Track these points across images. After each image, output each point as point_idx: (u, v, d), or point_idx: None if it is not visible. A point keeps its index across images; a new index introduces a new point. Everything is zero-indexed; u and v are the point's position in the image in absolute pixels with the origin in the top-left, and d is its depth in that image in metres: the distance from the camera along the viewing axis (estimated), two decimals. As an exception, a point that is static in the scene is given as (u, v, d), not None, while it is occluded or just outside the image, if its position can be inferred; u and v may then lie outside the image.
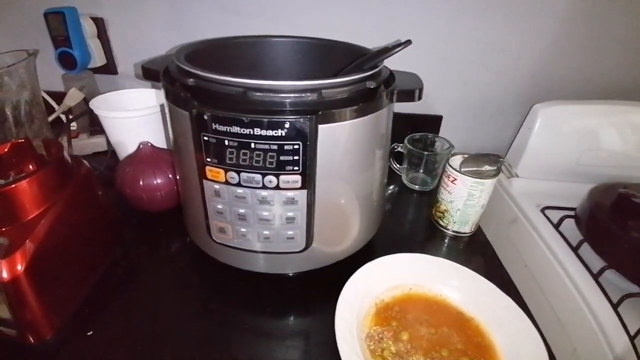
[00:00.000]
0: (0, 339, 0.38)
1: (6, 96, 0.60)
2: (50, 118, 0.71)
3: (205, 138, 0.33)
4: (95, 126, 0.75)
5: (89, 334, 0.39)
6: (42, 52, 0.61)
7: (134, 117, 0.56)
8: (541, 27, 0.68)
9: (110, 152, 0.66)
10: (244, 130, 0.32)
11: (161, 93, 0.60)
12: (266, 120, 0.31)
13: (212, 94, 0.33)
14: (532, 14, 0.67)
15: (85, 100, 0.73)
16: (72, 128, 0.76)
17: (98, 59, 0.77)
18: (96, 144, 0.73)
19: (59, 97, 0.73)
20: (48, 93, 0.73)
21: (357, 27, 0.70)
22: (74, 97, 0.72)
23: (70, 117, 0.73)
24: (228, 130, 0.32)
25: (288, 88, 0.32)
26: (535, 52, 0.70)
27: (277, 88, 0.32)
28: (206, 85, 0.33)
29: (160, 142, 0.56)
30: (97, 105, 0.59)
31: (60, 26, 0.71)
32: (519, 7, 0.66)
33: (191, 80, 0.34)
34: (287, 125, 0.32)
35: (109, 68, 0.81)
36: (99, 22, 0.76)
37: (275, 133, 0.32)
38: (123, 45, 0.79)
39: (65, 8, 0.70)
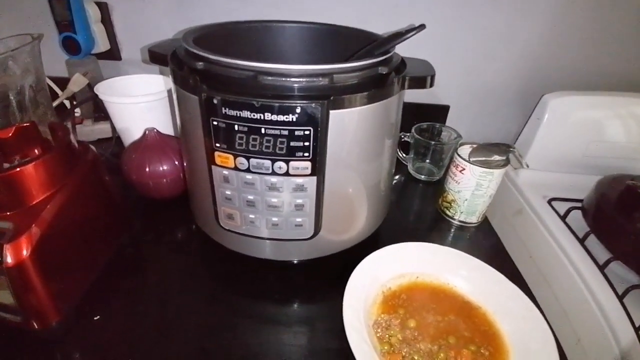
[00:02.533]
0: (5, 325, 0.38)
1: (10, 80, 0.60)
2: (54, 104, 0.70)
3: (215, 123, 0.33)
4: (99, 112, 0.74)
5: (95, 318, 0.39)
6: (46, 38, 0.60)
7: (140, 103, 0.56)
8: (549, 17, 0.67)
9: (115, 139, 0.65)
10: (254, 115, 0.31)
11: (167, 79, 0.59)
12: (277, 104, 0.31)
13: (222, 77, 0.32)
14: (539, 3, 0.65)
15: (90, 86, 0.72)
16: (76, 114, 0.75)
17: (102, 44, 0.77)
18: (101, 130, 0.73)
19: (62, 83, 0.72)
20: (52, 79, 0.73)
21: (362, 14, 0.68)
22: (78, 82, 0.72)
23: (74, 102, 0.72)
24: (238, 114, 0.32)
25: (300, 72, 0.31)
26: (543, 42, 0.69)
27: (289, 72, 0.31)
28: (216, 68, 0.33)
29: (166, 128, 0.55)
30: (103, 90, 0.58)
31: (64, 11, 0.70)
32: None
33: (200, 63, 0.33)
34: (298, 110, 0.31)
35: (113, 54, 0.80)
36: (103, 7, 0.74)
37: (286, 118, 0.32)
38: (127, 30, 0.78)
39: None
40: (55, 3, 0.70)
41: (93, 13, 0.73)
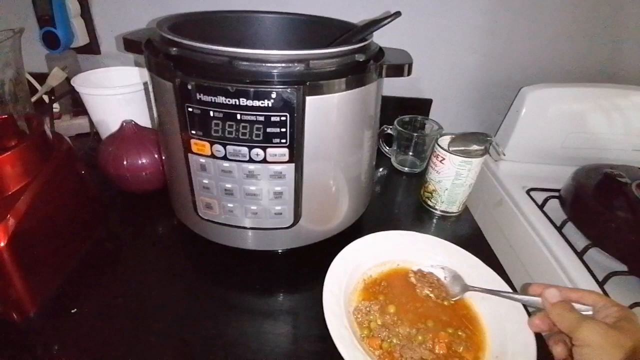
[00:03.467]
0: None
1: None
2: (34, 98, 0.69)
3: (190, 109, 0.33)
4: (78, 107, 0.72)
5: (72, 311, 0.39)
6: (25, 32, 0.59)
7: (117, 95, 0.55)
8: (531, 12, 0.68)
9: (94, 134, 0.64)
10: (229, 101, 0.31)
11: (144, 71, 0.58)
12: (252, 90, 0.31)
13: (196, 63, 0.32)
14: (524, 1, 0.67)
15: (68, 80, 0.71)
16: (54, 109, 0.74)
17: (81, 38, 0.75)
18: (79, 125, 0.71)
19: (41, 78, 0.71)
20: (31, 74, 0.71)
21: (344, 6, 0.69)
22: (56, 76, 0.70)
23: (53, 97, 0.70)
24: (213, 100, 0.31)
25: (275, 58, 0.31)
26: (525, 36, 0.71)
27: (264, 57, 0.31)
28: (190, 54, 0.32)
29: (144, 121, 0.55)
30: (80, 83, 0.57)
31: (45, 5, 0.69)
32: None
33: (174, 49, 0.33)
34: (273, 96, 0.31)
35: (92, 48, 0.78)
36: (83, 1, 0.73)
37: (262, 104, 0.31)
38: (106, 24, 0.77)
39: None
40: None
41: (73, 7, 0.72)
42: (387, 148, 0.69)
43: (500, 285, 0.40)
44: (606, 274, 0.49)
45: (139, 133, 0.52)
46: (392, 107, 0.68)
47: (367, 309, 0.37)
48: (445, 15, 0.69)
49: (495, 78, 0.76)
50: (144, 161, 0.51)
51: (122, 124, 0.51)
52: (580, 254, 0.53)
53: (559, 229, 0.59)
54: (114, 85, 0.58)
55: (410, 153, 0.68)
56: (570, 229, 0.58)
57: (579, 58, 0.73)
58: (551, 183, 0.66)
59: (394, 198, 0.62)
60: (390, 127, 0.66)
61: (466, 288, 0.39)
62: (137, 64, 0.68)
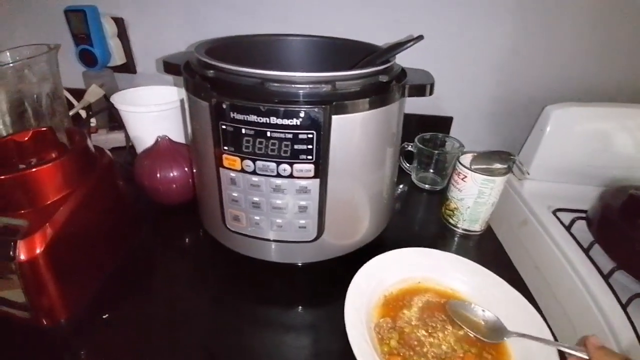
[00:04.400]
0: (12, 321, 0.39)
1: (26, 88, 0.63)
2: (70, 113, 0.74)
3: (224, 127, 0.35)
4: (114, 122, 0.77)
5: (104, 317, 0.40)
6: (64, 50, 0.63)
7: (153, 112, 0.58)
8: (553, 31, 0.68)
9: (129, 148, 0.68)
10: (260, 119, 0.33)
11: (179, 89, 0.62)
12: (282, 109, 0.33)
13: (230, 84, 0.34)
14: (545, 17, 0.67)
15: (105, 97, 0.76)
16: (91, 124, 0.79)
17: (118, 57, 0.80)
18: (115, 139, 0.76)
19: (78, 93, 0.75)
20: (68, 90, 0.76)
21: (366, 28, 0.71)
22: (94, 93, 0.75)
23: (91, 112, 0.75)
24: (245, 119, 0.34)
25: (303, 79, 0.33)
26: (545, 55, 0.70)
27: (293, 79, 0.33)
28: (225, 76, 0.35)
29: (177, 136, 0.58)
30: (118, 100, 0.61)
31: (81, 24, 0.73)
32: (531, 10, 0.66)
33: (211, 71, 0.35)
34: (301, 115, 0.33)
35: (129, 67, 0.83)
36: (120, 22, 0.78)
37: (290, 122, 0.33)
38: (142, 45, 0.81)
39: (86, 6, 0.72)
40: (72, 17, 0.73)
41: (109, 28, 0.76)
42: (408, 165, 0.70)
43: (526, 307, 0.39)
44: (629, 296, 0.48)
45: (172, 148, 0.55)
46: (413, 125, 0.69)
47: (388, 325, 0.38)
48: (465, 35, 0.70)
49: (515, 96, 0.76)
50: (175, 174, 0.54)
51: (157, 139, 0.54)
52: (606, 277, 0.52)
53: (586, 251, 0.57)
54: (147, 102, 0.62)
55: (431, 170, 0.68)
56: (596, 250, 0.56)
57: (598, 77, 0.72)
58: (577, 203, 0.64)
59: (414, 215, 0.62)
60: (411, 144, 0.67)
61: (504, 333, 0.37)
62: (169, 83, 0.72)
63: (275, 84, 0.33)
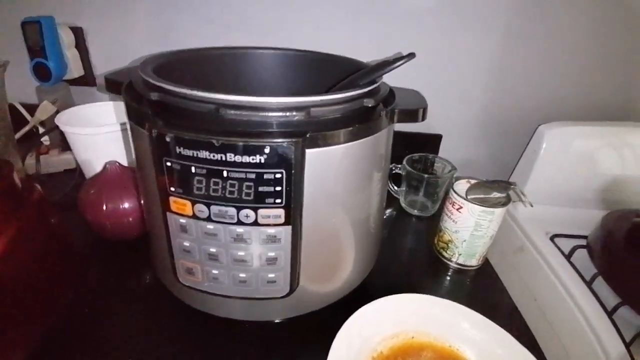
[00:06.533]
0: None
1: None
2: (22, 132, 0.65)
3: (169, 164, 0.28)
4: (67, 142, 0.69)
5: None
6: (19, 63, 0.57)
7: (102, 134, 0.50)
8: (546, 50, 0.65)
9: (79, 172, 0.60)
10: (214, 156, 0.26)
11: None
12: (241, 143, 0.26)
13: (178, 110, 0.27)
14: (536, 35, 0.64)
15: (58, 113, 0.67)
16: (45, 142, 0.70)
17: (75, 70, 0.73)
18: (67, 160, 0.67)
19: (33, 109, 0.68)
20: (23, 105, 0.69)
21: (350, 42, 0.66)
22: (45, 110, 0.67)
23: (41, 132, 0.67)
24: (195, 155, 0.26)
25: (269, 105, 0.27)
26: (538, 72, 0.67)
27: (256, 105, 0.27)
28: (172, 100, 0.28)
29: (128, 162, 0.50)
30: (66, 120, 0.53)
31: (36, 36, 0.67)
32: (523, 28, 0.63)
33: (154, 94, 0.28)
34: (266, 150, 0.26)
35: (87, 80, 0.76)
36: (78, 32, 0.71)
37: (253, 159, 0.26)
38: (102, 55, 0.74)
39: (43, 17, 0.66)
40: (27, 29, 0.67)
41: (66, 38, 0.70)
42: (396, 188, 0.64)
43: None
44: (634, 334, 0.44)
45: (122, 174, 0.47)
46: (398, 143, 0.63)
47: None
48: (454, 50, 0.66)
49: (509, 114, 0.72)
50: (126, 206, 0.46)
51: (105, 166, 0.46)
52: (610, 313, 0.48)
53: (589, 284, 0.52)
54: (104, 121, 0.54)
55: (421, 194, 0.62)
56: (600, 282, 0.52)
57: (593, 94, 0.69)
58: (576, 228, 0.60)
59: (404, 245, 0.56)
60: (399, 165, 0.61)
61: None
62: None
63: (233, 111, 0.26)
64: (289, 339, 0.38)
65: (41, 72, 0.69)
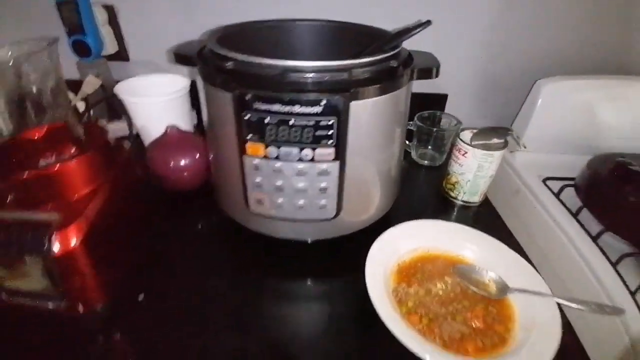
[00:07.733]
0: (40, 312, 0.40)
1: (25, 84, 0.62)
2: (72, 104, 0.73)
3: (247, 116, 0.37)
4: (112, 112, 0.76)
5: (139, 299, 0.43)
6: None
7: (160, 102, 0.59)
8: (541, 4, 0.70)
9: (135, 138, 0.68)
10: (283, 108, 0.35)
11: (182, 78, 0.62)
12: (305, 98, 0.35)
13: (252, 76, 0.36)
14: None
15: (102, 87, 0.75)
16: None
17: (110, 46, 0.78)
18: (116, 129, 0.74)
19: (74, 85, 0.73)
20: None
21: (367, 10, 0.71)
22: (91, 84, 0.74)
23: (89, 104, 0.74)
24: (269, 108, 0.35)
25: (322, 68, 0.35)
26: (534, 28, 0.72)
27: (312, 68, 0.35)
28: (245, 67, 0.36)
29: (183, 124, 0.59)
30: (122, 91, 0.61)
31: (73, 14, 0.71)
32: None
33: (229, 63, 0.37)
34: (323, 103, 0.35)
35: (121, 55, 0.81)
36: (110, 10, 0.76)
37: (312, 110, 0.35)
38: (133, 32, 0.79)
39: None
40: (63, 7, 0.71)
41: (100, 16, 0.74)
42: (408, 142, 0.72)
43: (525, 266, 0.44)
44: (619, 255, 0.52)
45: (180, 137, 0.56)
46: (412, 104, 0.71)
47: (404, 290, 0.42)
48: (454, 10, 0.71)
49: (508, 71, 0.78)
50: (186, 162, 0.55)
51: (166, 129, 0.55)
52: (594, 238, 0.57)
53: (575, 215, 0.62)
54: (147, 91, 0.62)
55: (430, 147, 0.71)
56: (585, 215, 0.61)
57: (588, 48, 0.75)
58: (566, 172, 0.68)
59: (416, 191, 0.66)
60: (411, 122, 0.69)
61: (507, 290, 0.41)
62: (163, 70, 0.72)
63: (295, 74, 0.35)
64: (336, 250, 0.49)
65: (81, 49, 0.74)
